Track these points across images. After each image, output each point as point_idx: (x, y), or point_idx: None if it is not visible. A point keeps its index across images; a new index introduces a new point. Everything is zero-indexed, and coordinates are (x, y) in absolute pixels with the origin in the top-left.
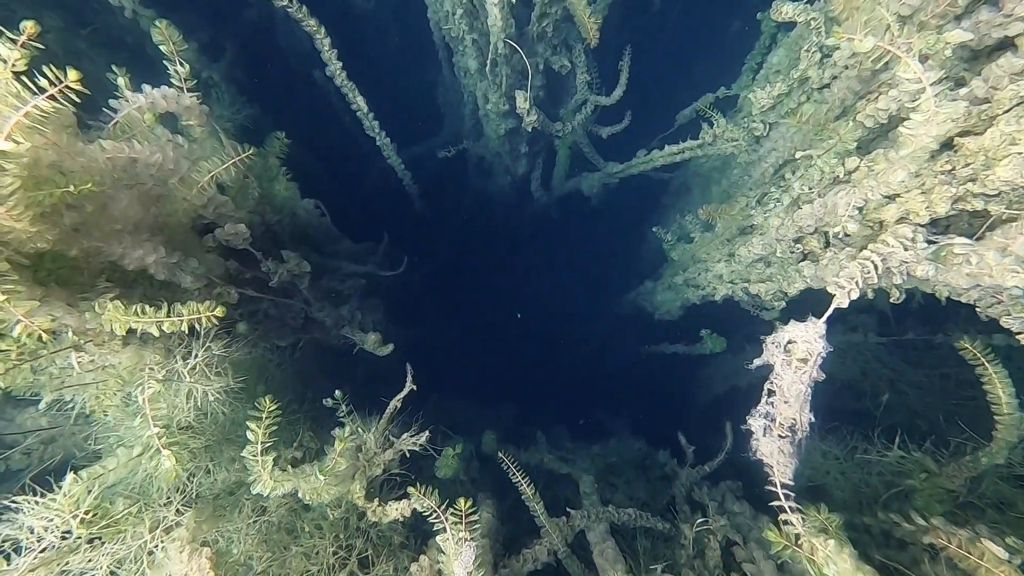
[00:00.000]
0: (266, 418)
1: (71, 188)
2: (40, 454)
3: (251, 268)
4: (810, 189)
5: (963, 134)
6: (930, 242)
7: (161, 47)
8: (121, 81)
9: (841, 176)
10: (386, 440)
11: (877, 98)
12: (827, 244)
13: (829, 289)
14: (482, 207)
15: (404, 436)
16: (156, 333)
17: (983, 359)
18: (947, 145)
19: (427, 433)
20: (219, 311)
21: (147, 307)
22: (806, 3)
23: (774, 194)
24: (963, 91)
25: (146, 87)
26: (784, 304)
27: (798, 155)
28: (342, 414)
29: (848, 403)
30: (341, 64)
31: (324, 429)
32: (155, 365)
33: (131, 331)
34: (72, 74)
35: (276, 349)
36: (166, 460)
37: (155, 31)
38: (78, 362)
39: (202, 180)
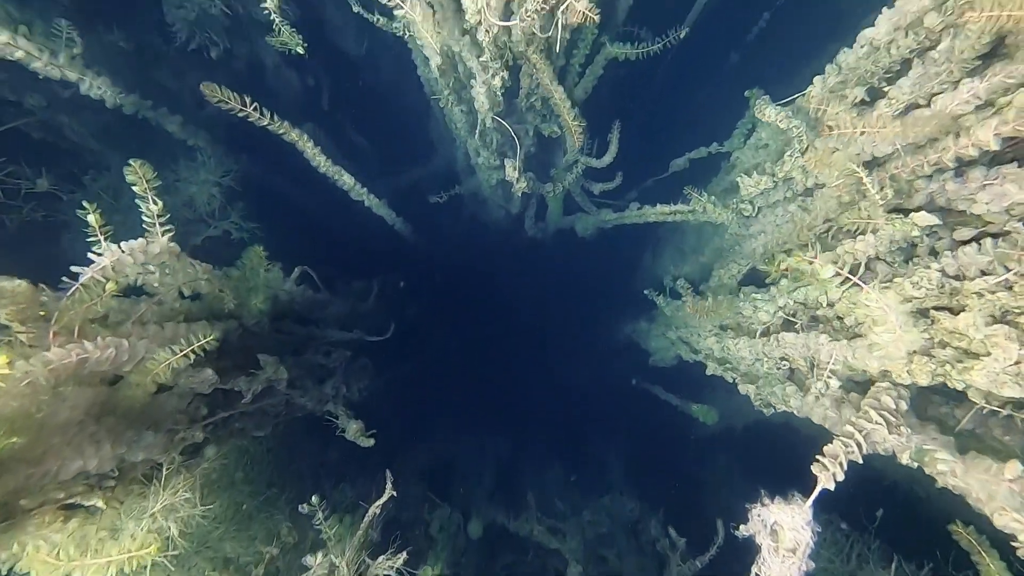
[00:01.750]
0: None
1: None
2: None
3: (223, 382)
4: (796, 302)
5: (939, 308)
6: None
7: (134, 188)
8: (92, 219)
9: (824, 303)
10: (361, 563)
11: (856, 239)
12: (813, 366)
13: (813, 469)
14: (477, 234)
15: (380, 559)
16: (102, 505)
17: (978, 547)
18: (923, 314)
19: (404, 554)
20: (153, 549)
21: (71, 550)
22: (788, 112)
23: (759, 297)
24: (935, 265)
25: (111, 246)
26: (773, 410)
27: (783, 265)
28: (319, 522)
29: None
30: (325, 157)
31: (305, 517)
32: (100, 540)
33: (70, 506)
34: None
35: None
36: None
37: (128, 170)
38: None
39: (157, 368)
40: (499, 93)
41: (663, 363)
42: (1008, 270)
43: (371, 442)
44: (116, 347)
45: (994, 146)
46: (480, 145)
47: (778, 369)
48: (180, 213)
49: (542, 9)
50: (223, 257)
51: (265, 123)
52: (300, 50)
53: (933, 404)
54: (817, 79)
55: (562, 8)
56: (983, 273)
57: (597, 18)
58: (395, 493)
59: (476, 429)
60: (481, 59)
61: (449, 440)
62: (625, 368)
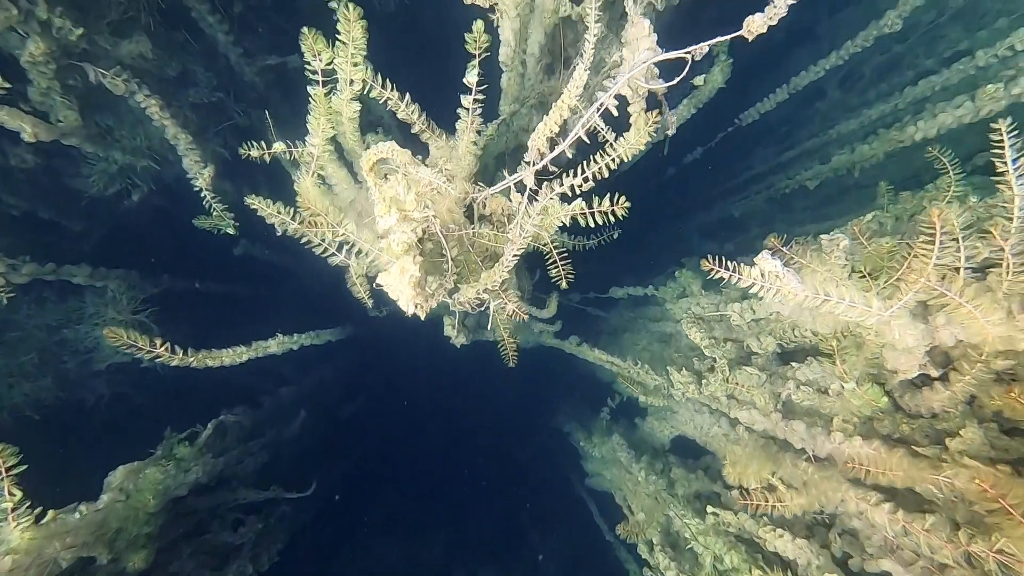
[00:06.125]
0: None
1: None
2: None
3: None
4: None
5: None
6: None
7: None
8: None
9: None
10: None
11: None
12: None
13: None
14: (415, 328)
15: None
16: None
17: None
18: None
19: None
20: None
21: None
22: (712, 340)
23: (690, 523)
24: None
25: None
26: None
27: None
28: None
29: None
30: (246, 347)
31: None
32: None
33: None
34: None
35: None
36: None
37: None
38: None
39: None
40: None
41: (599, 488)
42: None
43: None
44: None
45: (888, 534)
46: None
47: None
48: (83, 343)
49: (476, 301)
50: (127, 380)
51: (175, 362)
52: (231, 231)
53: None
54: (736, 307)
55: (495, 304)
56: None
57: (527, 317)
58: None
59: (408, 532)
60: None
61: (380, 549)
62: (565, 463)
